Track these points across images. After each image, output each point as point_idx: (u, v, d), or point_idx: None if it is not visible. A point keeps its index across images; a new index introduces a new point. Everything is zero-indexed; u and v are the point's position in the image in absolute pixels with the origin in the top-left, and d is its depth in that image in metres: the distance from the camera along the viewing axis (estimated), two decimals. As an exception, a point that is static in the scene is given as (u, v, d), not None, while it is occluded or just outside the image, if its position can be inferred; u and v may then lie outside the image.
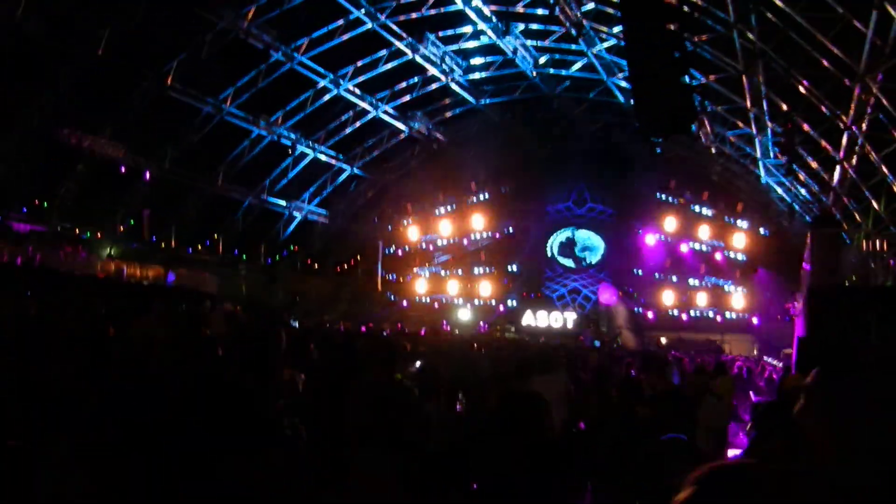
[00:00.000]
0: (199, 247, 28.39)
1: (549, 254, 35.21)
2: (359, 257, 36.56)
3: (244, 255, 30.22)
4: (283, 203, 31.04)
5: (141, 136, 23.58)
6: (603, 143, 31.03)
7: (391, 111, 29.39)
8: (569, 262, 35.12)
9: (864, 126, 19.11)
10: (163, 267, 25.64)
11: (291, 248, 32.72)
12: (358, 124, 29.73)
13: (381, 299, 36.11)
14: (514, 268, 35.52)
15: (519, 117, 31.35)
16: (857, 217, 22.13)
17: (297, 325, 20.10)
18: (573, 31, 22.43)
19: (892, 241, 13.20)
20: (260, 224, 30.87)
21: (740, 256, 32.38)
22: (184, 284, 24.97)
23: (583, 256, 34.96)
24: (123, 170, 23.94)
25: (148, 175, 24.95)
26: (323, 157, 30.30)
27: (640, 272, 33.22)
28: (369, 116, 29.33)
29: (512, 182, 34.63)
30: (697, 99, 24.36)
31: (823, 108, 20.13)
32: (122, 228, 26.09)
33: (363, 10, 23.08)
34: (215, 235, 28.78)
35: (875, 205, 20.97)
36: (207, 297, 20.76)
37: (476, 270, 36.22)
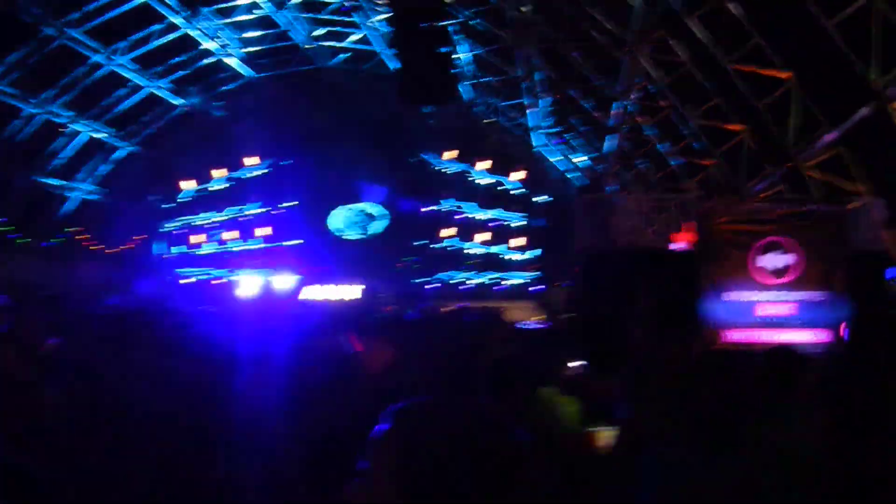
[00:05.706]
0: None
1: (330, 226, 35.87)
2: (136, 237, 35.76)
3: (17, 240, 28.83)
4: (57, 183, 29.91)
5: None
6: (382, 114, 31.10)
7: (166, 86, 29.33)
8: (351, 234, 35.87)
9: (632, 96, 20.39)
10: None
11: (68, 229, 31.49)
12: (134, 100, 29.35)
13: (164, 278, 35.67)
14: (295, 242, 35.90)
15: (296, 90, 32.10)
16: (629, 185, 23.90)
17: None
18: (345, 3, 23.59)
19: (664, 206, 14.65)
20: (35, 205, 29.54)
21: (516, 224, 33.22)
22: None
23: (364, 228, 35.81)
24: None
25: None
26: (98, 135, 29.61)
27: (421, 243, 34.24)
28: (145, 92, 29.09)
29: (290, 155, 35.12)
30: (472, 70, 26.65)
31: (594, 80, 21.72)
32: None
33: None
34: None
35: (646, 172, 22.94)
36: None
37: (253, 244, 36.30)
